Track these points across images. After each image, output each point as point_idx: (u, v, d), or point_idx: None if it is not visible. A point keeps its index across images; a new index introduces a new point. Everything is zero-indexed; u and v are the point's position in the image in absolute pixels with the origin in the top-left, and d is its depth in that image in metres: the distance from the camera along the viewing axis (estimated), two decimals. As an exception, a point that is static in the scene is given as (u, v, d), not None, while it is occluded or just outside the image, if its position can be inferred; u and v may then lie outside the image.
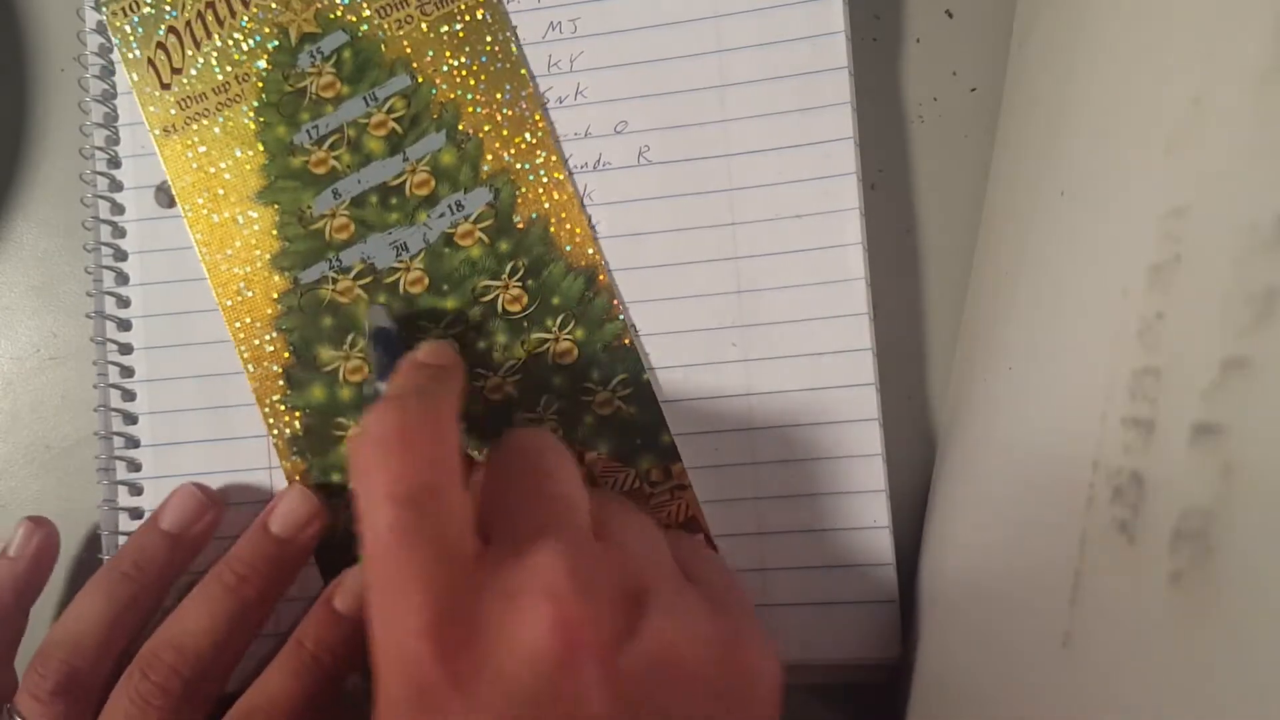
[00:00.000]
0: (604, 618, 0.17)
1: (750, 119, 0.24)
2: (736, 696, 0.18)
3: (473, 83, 0.25)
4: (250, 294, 0.25)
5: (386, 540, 0.17)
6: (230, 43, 0.25)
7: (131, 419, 0.26)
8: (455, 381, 0.21)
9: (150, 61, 0.26)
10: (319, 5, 0.25)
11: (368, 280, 0.25)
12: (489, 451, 0.21)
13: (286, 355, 0.25)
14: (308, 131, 0.25)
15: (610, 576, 0.18)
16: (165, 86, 0.26)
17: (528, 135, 0.25)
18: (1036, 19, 0.23)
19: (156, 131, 0.26)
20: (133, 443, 0.26)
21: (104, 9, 0.26)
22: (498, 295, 0.25)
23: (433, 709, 0.16)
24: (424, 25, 0.25)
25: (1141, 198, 0.14)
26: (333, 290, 0.25)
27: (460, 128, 0.25)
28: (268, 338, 0.25)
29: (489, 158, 0.25)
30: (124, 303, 0.26)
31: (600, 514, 0.20)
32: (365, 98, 0.25)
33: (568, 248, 0.25)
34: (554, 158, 0.25)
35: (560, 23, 0.25)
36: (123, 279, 0.26)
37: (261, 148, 0.25)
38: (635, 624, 0.17)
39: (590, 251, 0.25)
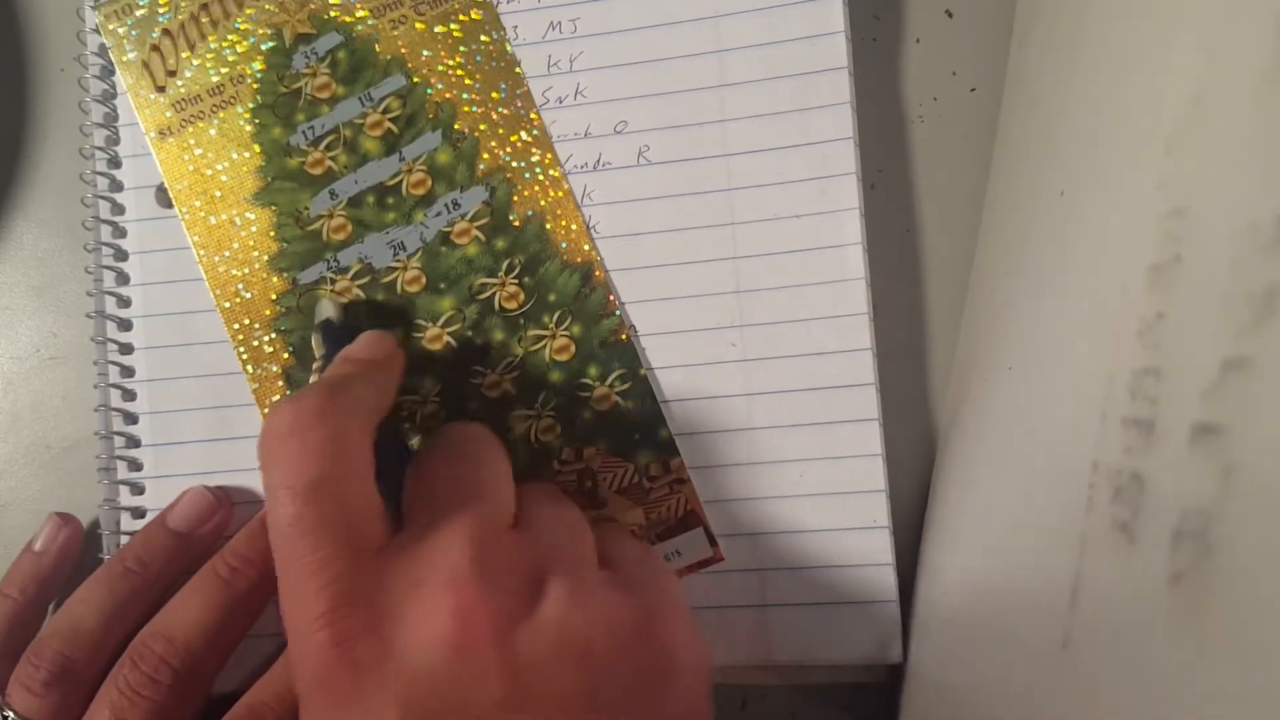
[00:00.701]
0: (502, 602, 0.17)
1: (750, 119, 0.24)
2: (654, 678, 0.18)
3: (468, 82, 0.25)
4: (249, 295, 0.25)
5: (284, 532, 0.17)
6: (225, 45, 0.25)
7: (132, 419, 0.26)
8: (381, 375, 0.21)
9: (145, 64, 0.26)
10: (313, 6, 0.25)
11: (365, 280, 0.25)
12: (423, 444, 0.21)
13: (286, 356, 0.25)
14: (304, 132, 0.25)
15: (515, 562, 0.18)
16: (160, 89, 0.26)
17: (523, 133, 0.25)
18: (1036, 19, 0.23)
19: (152, 134, 0.26)
20: (133, 442, 0.26)
21: (98, 11, 0.26)
22: (494, 293, 0.25)
23: (336, 697, 0.16)
24: (418, 25, 0.25)
25: (1141, 198, 0.14)
26: (331, 290, 0.25)
27: (456, 127, 0.25)
28: (267, 339, 0.25)
29: (485, 156, 0.25)
30: (124, 303, 0.26)
31: (521, 503, 0.20)
32: (361, 98, 0.25)
33: (564, 244, 0.25)
34: (549, 155, 0.25)
35: (560, 23, 0.25)
36: (123, 279, 0.26)
37: (258, 149, 0.25)
38: (537, 607, 0.17)
39: (586, 248, 0.25)
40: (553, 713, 0.16)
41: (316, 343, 0.24)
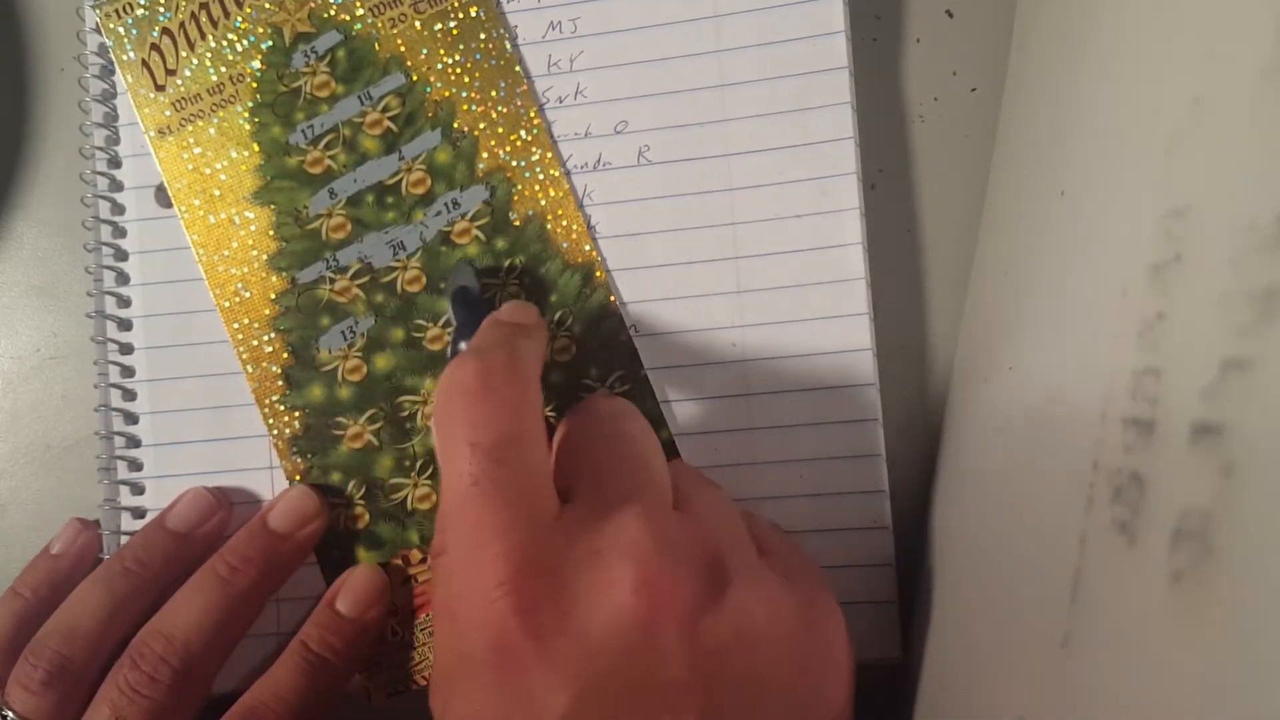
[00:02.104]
0: (687, 583, 0.16)
1: (750, 119, 0.24)
2: (814, 668, 0.18)
3: (467, 80, 0.25)
4: (248, 294, 0.25)
5: (468, 490, 0.17)
6: (224, 43, 0.25)
7: (132, 418, 0.26)
8: (538, 339, 0.21)
9: (144, 63, 0.26)
10: (312, 5, 0.25)
11: (365, 279, 0.25)
12: (566, 414, 0.21)
13: (285, 355, 0.25)
14: (303, 131, 0.25)
15: (689, 542, 0.17)
16: (160, 88, 0.26)
17: (523, 133, 0.25)
18: (1036, 19, 0.23)
19: (151, 133, 0.26)
20: (133, 442, 0.26)
21: (98, 11, 0.26)
22: (495, 293, 0.25)
23: (512, 665, 0.16)
24: (417, 23, 0.25)
25: (1141, 198, 0.14)
26: (330, 290, 0.25)
27: (455, 126, 0.25)
28: (266, 338, 0.25)
29: (484, 155, 0.25)
30: (124, 302, 0.26)
31: (679, 484, 0.19)
32: (360, 97, 0.25)
33: (564, 245, 0.25)
34: (549, 155, 0.25)
35: (560, 22, 0.25)
36: (123, 279, 0.26)
37: (257, 148, 0.25)
38: (719, 593, 0.17)
39: (587, 248, 0.25)
40: (733, 700, 0.16)
41: (450, 310, 0.24)
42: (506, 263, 0.25)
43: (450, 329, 0.25)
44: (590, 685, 0.15)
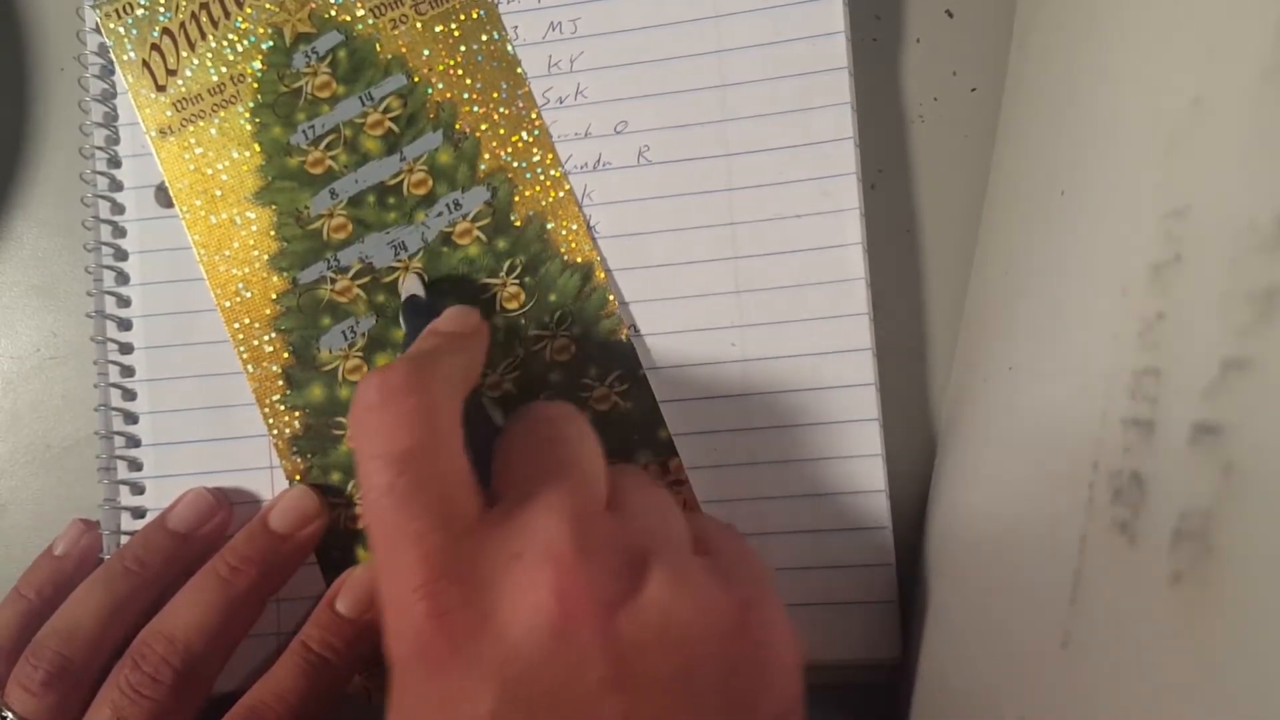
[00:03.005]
0: (604, 582, 0.17)
1: (750, 119, 0.24)
2: (749, 669, 0.17)
3: (469, 82, 0.25)
4: (249, 294, 0.25)
5: (379, 502, 0.17)
6: (225, 44, 0.25)
7: (132, 418, 0.26)
8: (470, 346, 0.21)
9: (145, 63, 0.26)
10: (313, 5, 0.25)
11: (366, 280, 0.25)
12: (509, 419, 0.21)
13: (286, 355, 0.25)
14: (304, 132, 0.25)
15: (614, 542, 0.18)
16: (160, 88, 0.26)
17: (524, 134, 0.25)
18: (1036, 19, 0.23)
19: (153, 133, 0.26)
20: (133, 442, 0.26)
21: (98, 11, 0.26)
22: (496, 293, 0.25)
23: (432, 668, 0.16)
24: (419, 24, 0.25)
25: (1141, 198, 0.14)
26: (331, 290, 0.25)
27: (457, 127, 0.25)
28: (267, 338, 0.25)
29: (486, 156, 0.25)
30: (124, 302, 0.26)
31: (617, 484, 0.19)
32: (361, 97, 0.25)
33: (564, 245, 0.25)
34: (550, 156, 0.25)
35: (560, 23, 0.25)
36: (123, 279, 0.26)
37: (258, 148, 0.25)
38: (638, 592, 0.17)
39: (587, 248, 0.25)
40: (652, 697, 0.16)
41: (403, 318, 0.24)
42: (506, 263, 0.25)
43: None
44: (512, 688, 0.16)
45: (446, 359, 0.20)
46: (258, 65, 0.25)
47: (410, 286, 0.24)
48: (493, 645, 0.16)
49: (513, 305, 0.25)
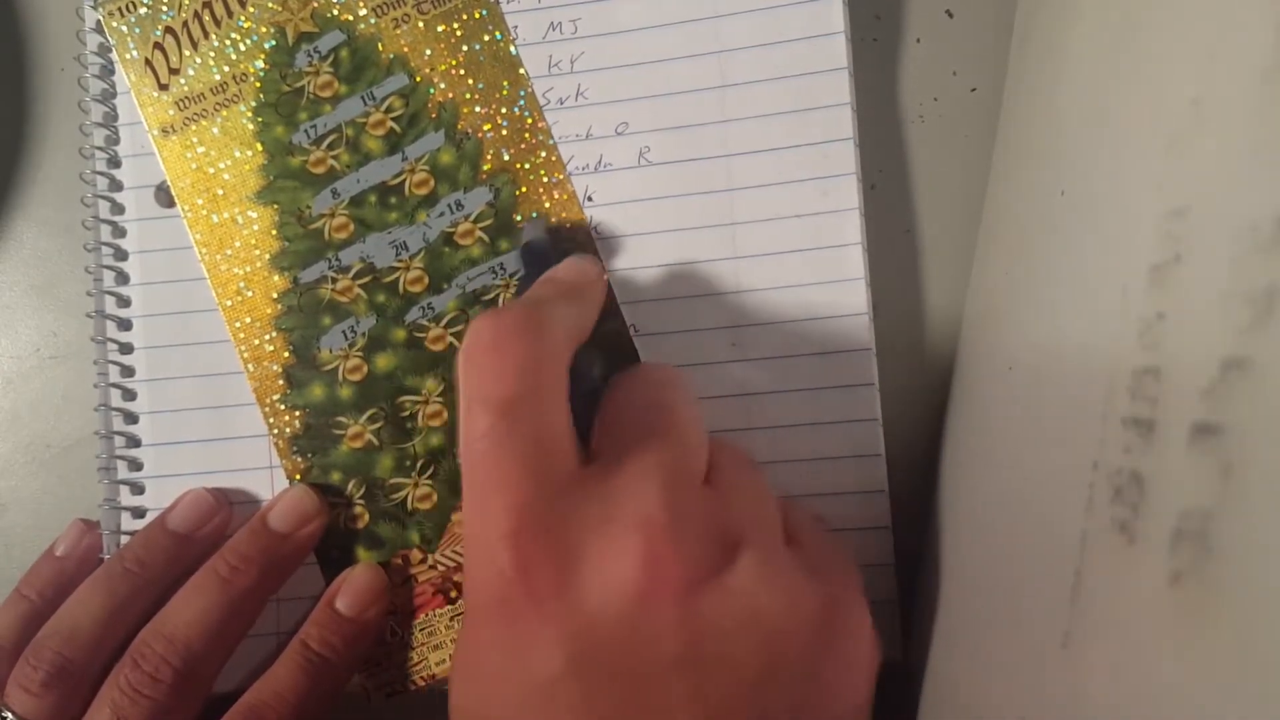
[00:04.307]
0: (693, 558, 0.16)
1: (750, 119, 0.24)
2: (825, 665, 0.17)
3: (471, 82, 0.25)
4: (250, 294, 0.25)
5: (478, 446, 0.17)
6: (227, 43, 0.25)
7: (132, 418, 0.26)
8: (586, 298, 0.20)
9: (148, 62, 0.26)
10: (316, 4, 0.25)
11: (367, 279, 0.25)
12: (616, 377, 0.20)
13: (286, 355, 0.25)
14: (306, 131, 0.25)
15: (708, 519, 0.17)
16: (163, 87, 0.26)
17: (527, 135, 0.25)
18: (1036, 19, 0.23)
19: (155, 132, 0.26)
20: (134, 442, 0.26)
21: (100, 9, 0.26)
22: (498, 294, 0.25)
23: (509, 618, 0.16)
24: (421, 24, 0.25)
25: (1141, 198, 0.14)
26: (332, 290, 0.25)
27: (459, 127, 0.25)
28: (268, 337, 0.25)
29: (488, 157, 0.25)
30: (124, 302, 0.26)
31: (716, 459, 0.19)
32: (363, 97, 0.25)
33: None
34: (553, 157, 0.25)
35: (560, 23, 0.25)
36: (123, 278, 0.26)
37: (260, 148, 0.25)
38: (727, 573, 0.16)
39: (590, 250, 0.25)
40: (726, 683, 0.16)
41: (521, 260, 0.23)
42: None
43: (453, 330, 0.25)
44: (584, 652, 0.15)
45: (561, 309, 0.19)
46: (260, 64, 0.25)
47: (531, 230, 0.24)
48: (572, 606, 0.16)
49: (513, 305, 0.25)
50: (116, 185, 0.26)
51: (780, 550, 0.18)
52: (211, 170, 0.26)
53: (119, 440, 0.26)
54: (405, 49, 0.25)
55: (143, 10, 0.26)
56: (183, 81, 0.26)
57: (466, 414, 0.17)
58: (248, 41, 0.25)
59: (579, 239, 0.25)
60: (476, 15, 0.25)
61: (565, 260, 0.22)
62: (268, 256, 0.25)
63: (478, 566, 0.17)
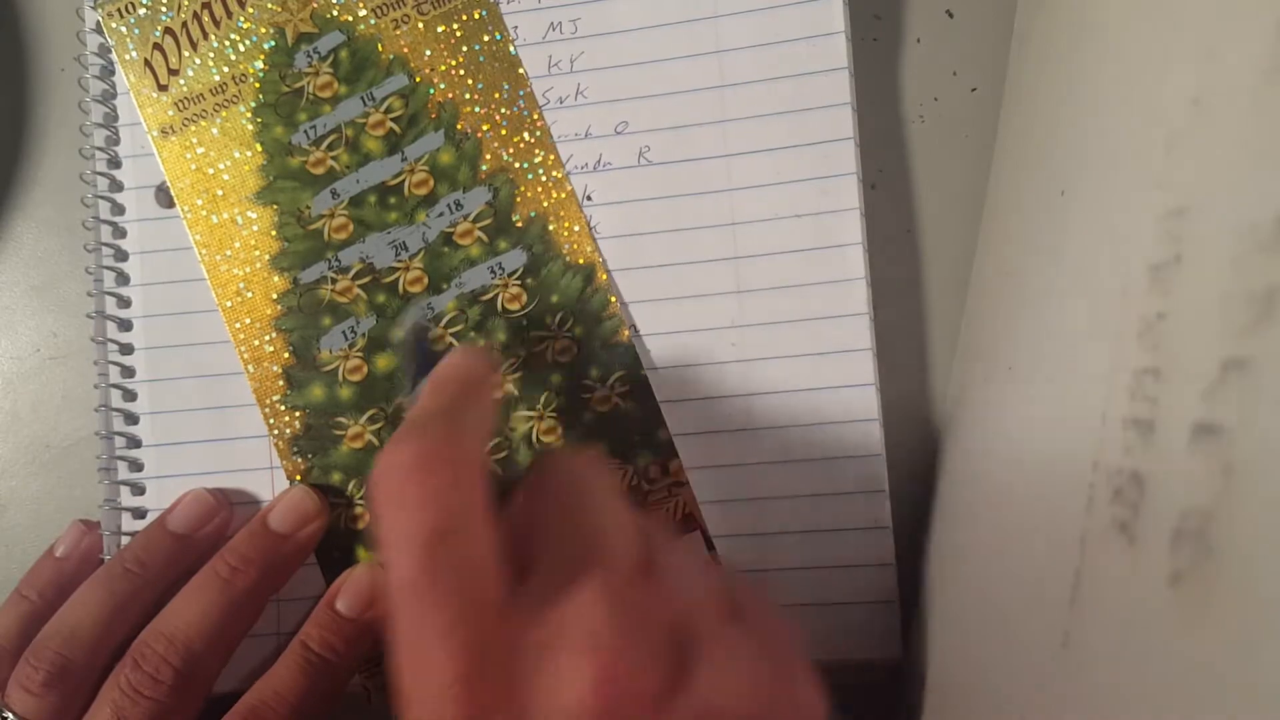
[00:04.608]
0: (649, 670, 0.16)
1: (750, 119, 0.24)
2: None
3: (470, 82, 0.25)
4: (250, 294, 0.25)
5: (407, 587, 0.16)
6: (227, 43, 0.25)
7: (133, 419, 0.26)
8: (485, 399, 0.19)
9: (147, 63, 0.26)
10: (315, 5, 0.25)
11: (367, 280, 0.25)
12: (527, 475, 0.20)
13: (286, 355, 0.25)
14: (305, 132, 0.25)
15: (656, 619, 0.17)
16: (162, 88, 0.26)
17: (526, 134, 0.25)
18: (1036, 19, 0.23)
19: (154, 133, 0.26)
20: (134, 443, 0.26)
21: (100, 10, 0.26)
22: (497, 294, 0.25)
23: None
24: (420, 25, 0.25)
25: (1141, 198, 0.14)
26: (332, 290, 0.25)
27: (459, 127, 0.25)
28: (268, 338, 0.25)
29: (487, 157, 0.25)
30: (125, 303, 0.26)
31: (650, 545, 0.18)
32: (363, 97, 0.25)
33: (566, 246, 0.25)
34: (552, 157, 0.25)
35: (560, 23, 0.25)
36: (123, 279, 0.26)
37: (260, 148, 0.25)
38: (684, 676, 0.16)
39: (589, 249, 0.25)
40: None
41: (404, 355, 0.22)
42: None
43: (452, 330, 0.25)
44: None
45: (467, 416, 0.18)
46: (260, 65, 0.25)
47: (412, 318, 0.23)
48: None
49: (514, 306, 0.25)
50: (117, 186, 0.26)
51: (729, 632, 0.17)
52: (211, 171, 0.26)
53: (119, 441, 0.26)
54: (405, 49, 0.25)
55: (142, 11, 0.26)
56: (182, 82, 0.26)
57: (392, 551, 0.16)
58: (247, 42, 0.25)
59: (504, 281, 0.24)
60: (476, 15, 0.25)
61: (454, 353, 0.20)
62: (267, 257, 0.25)
63: (427, 715, 0.16)
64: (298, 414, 0.25)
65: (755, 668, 0.17)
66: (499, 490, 0.19)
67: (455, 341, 0.25)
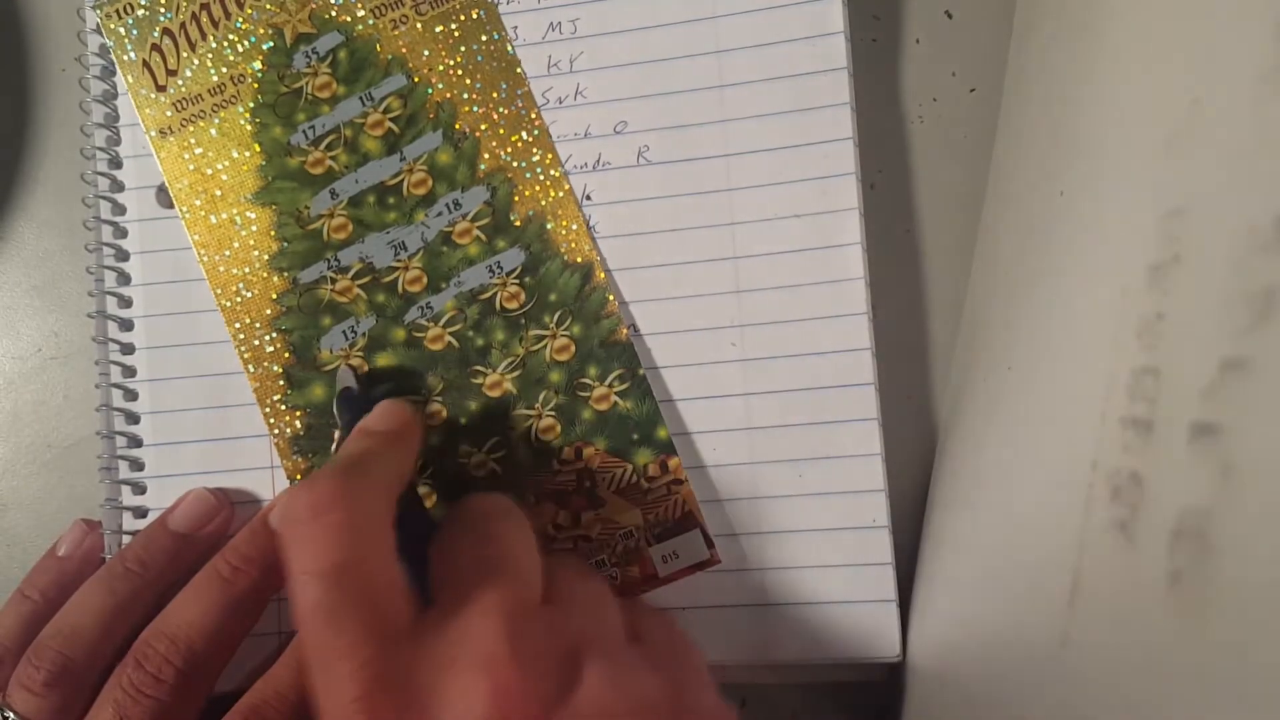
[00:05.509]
0: (539, 683, 0.17)
1: (749, 119, 0.24)
2: None
3: (468, 82, 0.25)
4: (249, 294, 0.25)
5: (309, 617, 0.17)
6: (225, 44, 0.25)
7: (134, 418, 0.26)
8: (401, 445, 0.21)
9: (145, 64, 0.26)
10: (314, 6, 0.25)
11: (367, 279, 0.25)
12: (446, 515, 0.21)
13: (287, 355, 0.25)
14: (304, 132, 0.25)
15: (549, 639, 0.18)
16: (161, 89, 0.26)
17: (524, 134, 0.25)
18: (1036, 20, 0.23)
19: (153, 133, 0.26)
20: (135, 442, 0.26)
21: (98, 11, 0.26)
22: (496, 293, 0.25)
23: None
24: (419, 25, 0.25)
25: (1141, 198, 0.14)
26: (331, 290, 0.25)
27: (457, 127, 0.25)
28: (267, 338, 0.25)
29: (486, 156, 0.25)
30: (125, 303, 0.26)
31: (550, 577, 0.20)
32: (361, 98, 0.25)
33: (564, 245, 0.25)
34: (550, 156, 0.25)
35: (560, 23, 0.25)
36: (124, 279, 0.26)
37: (258, 149, 0.25)
38: (574, 690, 0.17)
39: (587, 248, 0.25)
40: None
41: (336, 411, 0.24)
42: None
43: (451, 329, 0.25)
44: None
45: (376, 463, 0.20)
46: (258, 65, 0.26)
47: (343, 379, 0.24)
48: None
49: (513, 305, 0.25)
50: (118, 186, 0.26)
51: (623, 654, 0.19)
52: (209, 171, 0.26)
53: (120, 440, 0.26)
54: (403, 50, 0.25)
55: (140, 12, 0.26)
56: (180, 83, 0.26)
57: (294, 587, 0.17)
58: (246, 43, 0.25)
59: (396, 380, 0.25)
60: (474, 15, 0.25)
61: (377, 407, 0.22)
62: (266, 257, 0.25)
63: None
64: (298, 413, 0.25)
65: (645, 681, 0.18)
66: (425, 527, 0.21)
67: (455, 342, 0.25)
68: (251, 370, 0.25)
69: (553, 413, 0.25)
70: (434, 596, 0.19)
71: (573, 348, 0.25)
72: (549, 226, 0.25)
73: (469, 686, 0.16)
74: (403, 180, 0.25)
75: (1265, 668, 0.09)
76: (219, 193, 0.26)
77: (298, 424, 0.25)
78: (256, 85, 0.25)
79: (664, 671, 0.18)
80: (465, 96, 0.25)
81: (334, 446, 0.24)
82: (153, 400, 0.26)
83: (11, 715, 0.22)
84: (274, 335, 0.25)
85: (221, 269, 0.26)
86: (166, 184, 0.26)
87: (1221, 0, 0.13)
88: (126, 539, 0.25)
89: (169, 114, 0.26)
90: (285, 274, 0.25)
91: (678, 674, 0.19)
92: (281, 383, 0.25)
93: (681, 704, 0.18)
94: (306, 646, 0.17)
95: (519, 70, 0.25)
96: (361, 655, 0.17)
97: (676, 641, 0.20)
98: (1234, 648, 0.10)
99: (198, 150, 0.26)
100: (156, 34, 0.26)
